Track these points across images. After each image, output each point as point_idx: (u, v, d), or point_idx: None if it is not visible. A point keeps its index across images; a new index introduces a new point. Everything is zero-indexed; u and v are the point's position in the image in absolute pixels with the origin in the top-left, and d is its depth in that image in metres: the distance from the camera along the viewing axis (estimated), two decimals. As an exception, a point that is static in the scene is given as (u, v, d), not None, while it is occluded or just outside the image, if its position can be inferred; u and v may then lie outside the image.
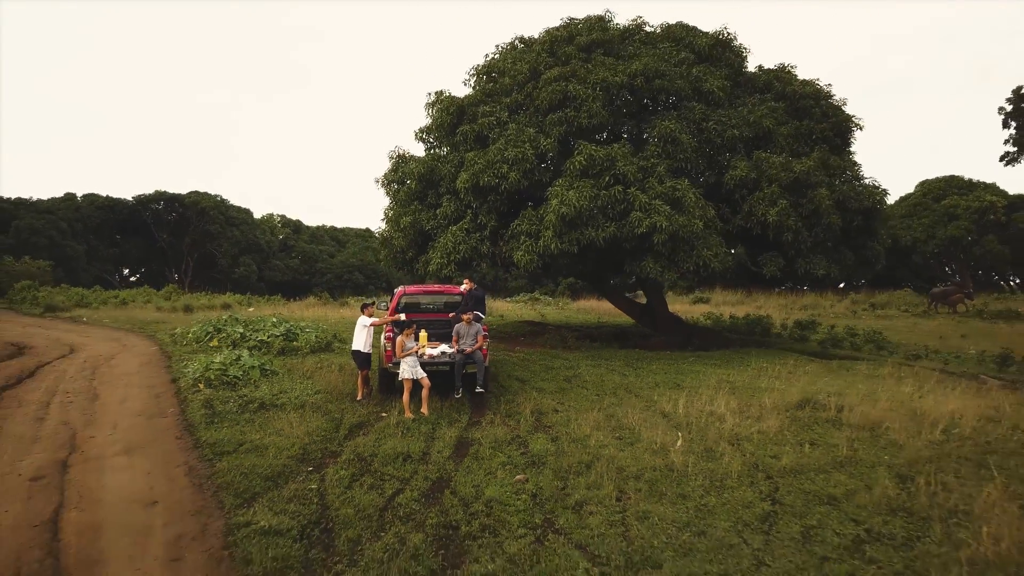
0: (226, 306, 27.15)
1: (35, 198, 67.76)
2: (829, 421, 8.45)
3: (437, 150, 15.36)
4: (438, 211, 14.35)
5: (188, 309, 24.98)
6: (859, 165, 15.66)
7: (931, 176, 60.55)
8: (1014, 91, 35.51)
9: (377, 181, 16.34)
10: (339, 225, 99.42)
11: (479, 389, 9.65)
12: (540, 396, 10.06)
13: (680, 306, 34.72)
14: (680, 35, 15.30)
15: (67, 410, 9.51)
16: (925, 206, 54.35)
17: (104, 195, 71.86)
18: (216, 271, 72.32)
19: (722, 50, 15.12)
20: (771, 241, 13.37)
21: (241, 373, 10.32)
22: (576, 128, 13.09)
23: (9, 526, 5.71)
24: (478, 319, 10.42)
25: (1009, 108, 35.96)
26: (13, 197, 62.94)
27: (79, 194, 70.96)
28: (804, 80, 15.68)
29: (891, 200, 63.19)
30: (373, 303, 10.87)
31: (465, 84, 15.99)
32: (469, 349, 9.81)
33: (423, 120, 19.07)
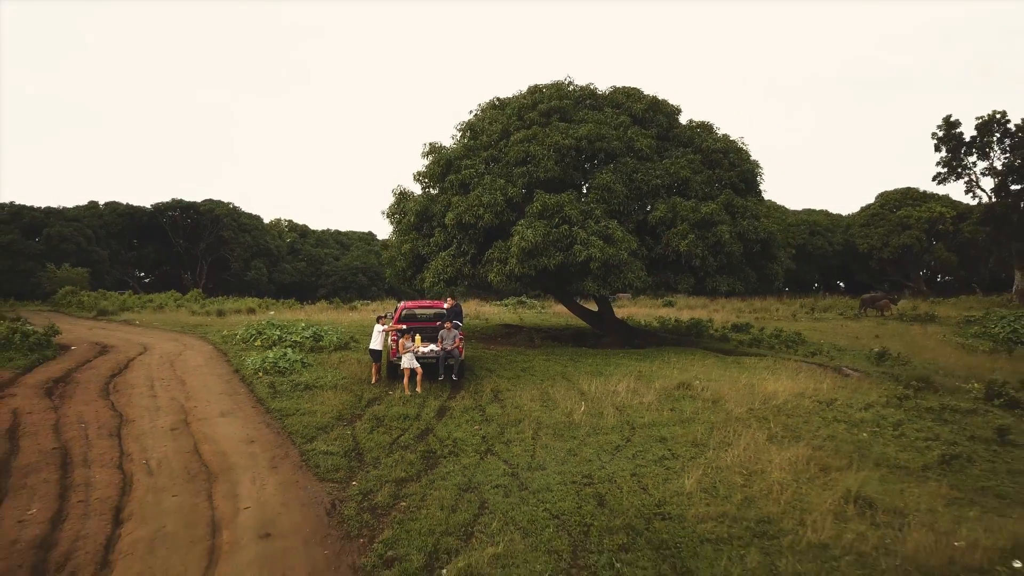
0: (250, 310, 30.89)
1: (61, 206, 71.28)
2: (690, 396, 12.25)
3: (431, 190, 19.08)
4: (431, 240, 18.07)
5: (220, 313, 28.67)
6: (764, 202, 19.47)
7: (889, 188, 64.30)
8: (944, 119, 39.68)
9: (383, 213, 20.11)
10: (343, 229, 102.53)
11: (455, 376, 13.48)
12: (499, 380, 13.85)
13: (649, 308, 38.59)
14: (621, 100, 19.02)
15: (168, 390, 13.27)
16: (882, 216, 58.29)
17: (124, 203, 75.54)
18: (229, 274, 75.94)
19: (654, 113, 18.84)
20: (684, 265, 17.10)
21: (288, 365, 14.12)
22: (535, 180, 16.79)
23: (171, 453, 9.49)
24: (456, 326, 14.20)
25: (940, 134, 40.04)
26: (43, 206, 66.52)
27: (101, 202, 74.65)
28: (720, 136, 19.44)
29: (855, 208, 66.97)
30: (386, 316, 14.68)
31: (452, 139, 19.83)
32: (449, 347, 13.62)
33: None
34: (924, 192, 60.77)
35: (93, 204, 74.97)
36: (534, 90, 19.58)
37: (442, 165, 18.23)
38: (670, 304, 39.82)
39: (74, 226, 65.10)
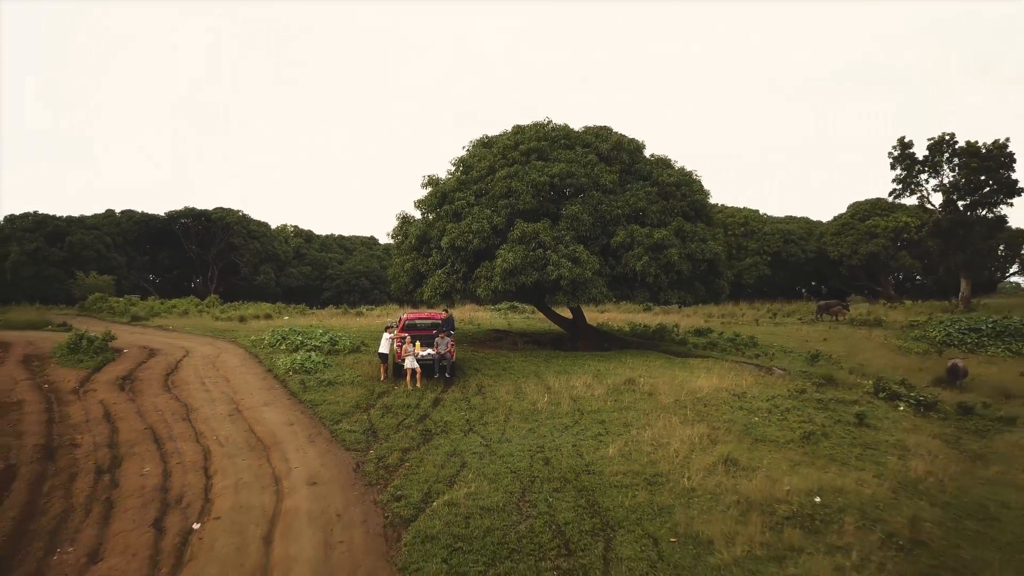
0: (267, 316, 33.81)
1: (80, 214, 74.10)
2: (632, 390, 15.23)
3: (429, 216, 22.02)
4: (429, 259, 20.99)
5: (242, 319, 31.56)
6: (714, 227, 22.56)
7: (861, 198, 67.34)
8: (899, 140, 42.80)
9: (388, 234, 23.09)
10: (346, 233, 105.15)
11: (447, 375, 16.46)
12: (483, 378, 16.84)
13: (627, 314, 41.56)
14: (590, 140, 21.97)
15: (217, 386, 16.23)
16: (852, 225, 61.37)
17: (140, 211, 78.34)
18: (239, 278, 78.72)
19: (618, 152, 21.77)
20: (640, 282, 20.05)
21: (312, 365, 17.10)
22: (516, 210, 19.69)
23: (232, 432, 12.46)
24: (449, 334, 17.18)
25: (896, 153, 43.08)
26: (65, 215, 69.34)
27: (117, 210, 77.50)
28: (676, 169, 22.44)
29: (828, 217, 69.91)
30: (392, 326, 17.66)
31: (447, 172, 22.80)
32: (443, 352, 16.61)
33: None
34: (893, 203, 63.78)
35: (110, 212, 77.76)
36: (517, 130, 22.52)
37: (438, 196, 21.23)
38: (648, 309, 42.73)
39: (94, 234, 67.88)
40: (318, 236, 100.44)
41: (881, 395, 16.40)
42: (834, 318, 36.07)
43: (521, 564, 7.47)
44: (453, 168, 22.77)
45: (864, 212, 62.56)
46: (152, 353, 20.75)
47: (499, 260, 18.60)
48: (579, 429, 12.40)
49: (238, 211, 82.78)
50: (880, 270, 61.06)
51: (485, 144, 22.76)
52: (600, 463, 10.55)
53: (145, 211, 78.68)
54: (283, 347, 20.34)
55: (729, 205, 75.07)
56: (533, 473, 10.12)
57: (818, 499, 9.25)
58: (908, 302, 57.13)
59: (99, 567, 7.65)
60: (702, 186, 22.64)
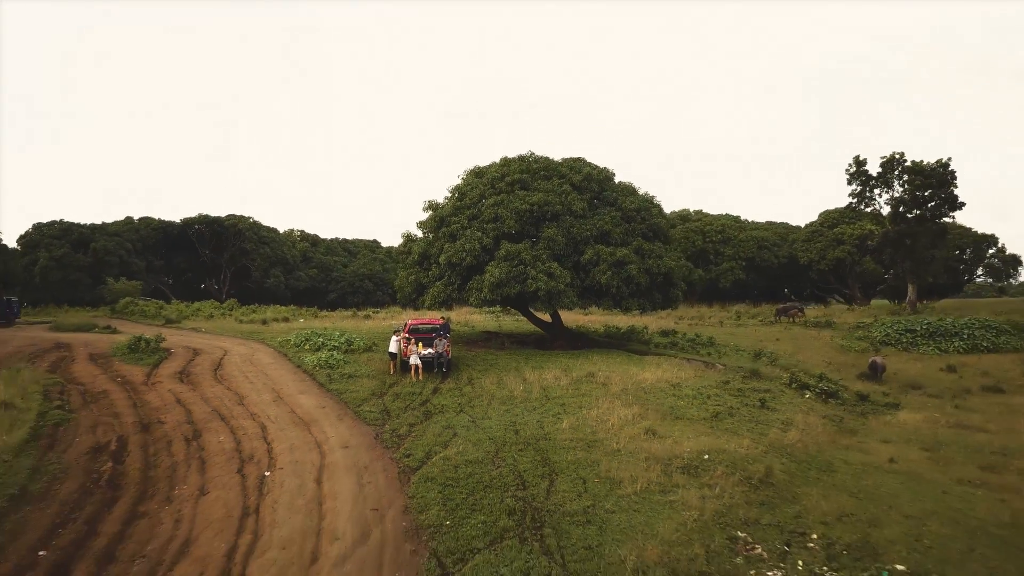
0: (285, 319, 37.25)
1: (102, 221, 77.44)
2: (590, 381, 18.75)
3: (429, 236, 25.48)
4: (429, 272, 24.45)
5: (264, 322, 34.98)
6: (670, 245, 26.12)
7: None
8: (854, 159, 46.35)
9: (394, 251, 26.40)
10: (349, 237, 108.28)
11: (444, 369, 19.99)
12: (473, 372, 20.37)
13: (607, 316, 45.03)
14: (565, 172, 25.41)
15: (258, 378, 19.73)
16: (821, 233, 64.98)
17: (157, 218, 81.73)
18: (250, 281, 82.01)
19: (588, 182, 25.22)
20: (605, 292, 23.53)
21: (335, 362, 20.62)
22: (502, 233, 23.13)
23: (279, 413, 15.99)
24: (445, 336, 20.70)
25: (853, 170, 46.66)
26: (89, 223, 72.70)
27: (136, 217, 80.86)
28: (640, 196, 25.96)
29: (803, 222, 73.34)
30: (399, 330, 21.17)
31: (444, 198, 26.31)
32: (440, 351, 20.13)
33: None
34: (860, 211, 67.42)
35: (129, 219, 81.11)
36: (504, 162, 25.99)
37: (437, 220, 24.74)
38: (627, 312, 46.15)
39: (116, 240, 71.14)
40: (323, 240, 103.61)
41: (793, 385, 19.97)
42: (791, 320, 39.60)
43: (491, 494, 11.01)
44: (449, 194, 26.27)
45: (833, 220, 66.15)
46: (196, 352, 24.23)
47: (487, 275, 22.11)
48: (544, 410, 15.94)
49: (249, 218, 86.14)
50: (847, 274, 64.64)
51: (477, 174, 26.26)
52: (555, 433, 14.09)
53: (162, 218, 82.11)
54: (307, 347, 23.83)
55: (711, 213, 78.76)
56: (505, 439, 13.66)
57: (706, 456, 12.79)
58: (875, 303, 60.86)
59: (208, 497, 11.18)
60: (661, 210, 26.22)
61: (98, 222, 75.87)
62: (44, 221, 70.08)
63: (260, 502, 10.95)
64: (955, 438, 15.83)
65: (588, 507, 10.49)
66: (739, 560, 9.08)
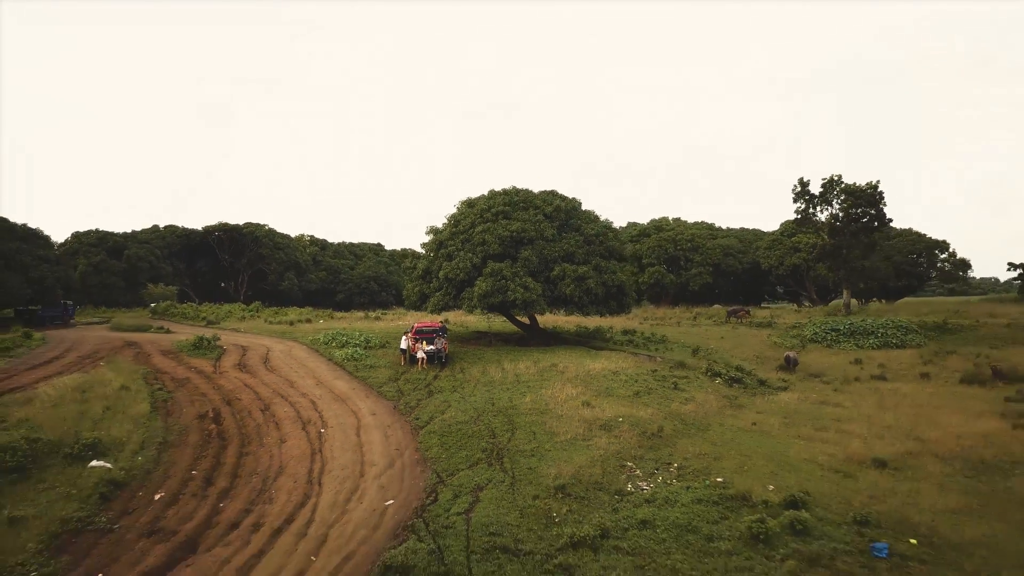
0: (308, 320, 42.47)
1: (132, 230, 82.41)
2: (552, 370, 24.11)
3: (431, 255, 30.76)
4: (431, 285, 29.71)
5: (291, 323, 40.19)
6: (624, 263, 31.55)
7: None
8: (799, 180, 51.80)
9: (403, 268, 31.83)
10: (355, 241, 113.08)
11: (443, 362, 25.38)
12: (465, 364, 25.71)
13: (582, 318, 50.29)
14: (540, 204, 30.66)
15: (300, 368, 25.04)
16: (780, 241, 70.40)
17: (180, 226, 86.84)
18: (265, 283, 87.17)
19: (558, 212, 30.46)
20: (570, 301, 28.83)
21: (358, 356, 25.96)
22: (488, 254, 28.35)
23: (322, 392, 21.38)
24: (443, 336, 26.04)
25: (797, 190, 52.04)
26: (122, 231, 77.73)
27: (161, 225, 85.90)
28: (601, 222, 31.32)
29: (769, 228, 78.62)
30: (408, 331, 26.51)
31: (442, 225, 31.58)
32: (439, 347, 25.49)
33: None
34: (817, 220, 72.94)
35: (155, 227, 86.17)
36: (491, 195, 31.25)
37: (436, 243, 30.09)
38: (602, 315, 51.58)
39: (146, 247, 76.26)
40: (331, 244, 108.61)
41: (708, 374, 25.38)
42: (739, 321, 44.98)
43: (472, 440, 16.39)
44: (447, 222, 31.60)
45: (792, 229, 71.52)
46: (245, 349, 29.53)
47: (476, 288, 27.45)
48: (514, 390, 21.32)
49: (264, 225, 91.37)
50: (804, 279, 70.13)
51: (469, 205, 31.58)
52: (519, 404, 19.47)
53: (184, 226, 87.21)
54: (334, 344, 29.16)
55: (688, 221, 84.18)
56: (484, 409, 19.04)
57: (620, 419, 18.18)
58: (834, 303, 66.30)
59: (287, 443, 16.53)
60: (617, 234, 31.65)
61: (127, 230, 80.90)
62: (82, 230, 75.15)
63: (321, 446, 16.33)
64: (811, 411, 21.26)
65: (534, 448, 15.89)
66: (623, 477, 14.48)
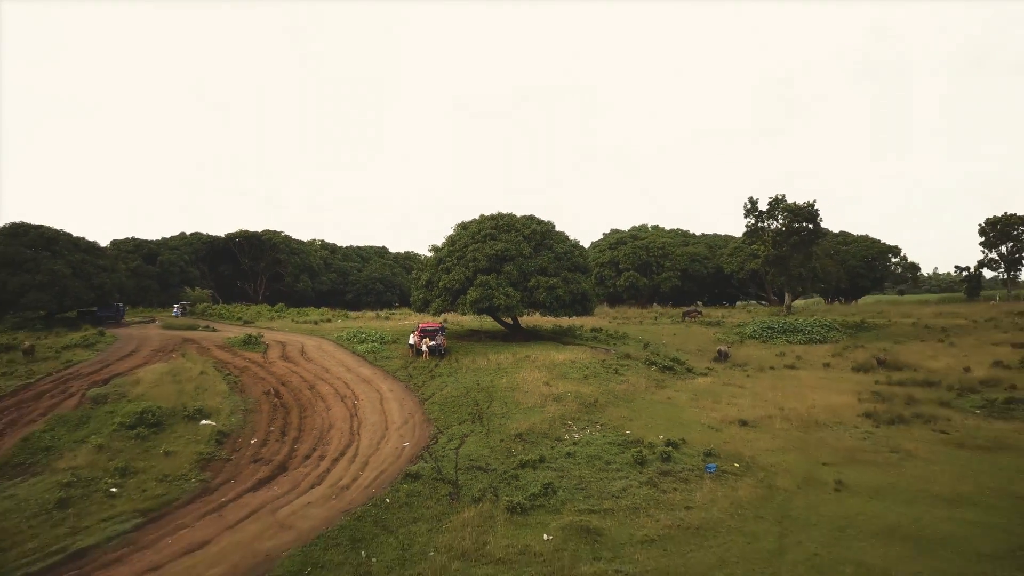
0: (328, 320, 48.59)
1: (161, 237, 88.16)
2: (526, 360, 30.34)
3: (432, 268, 36.93)
4: (432, 292, 35.86)
5: (316, 323, 46.23)
6: (588, 275, 37.77)
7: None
8: (749, 199, 58.06)
9: (410, 279, 38.01)
10: (361, 244, 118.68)
11: (441, 354, 31.63)
12: (459, 355, 31.92)
13: (560, 319, 56.50)
14: (520, 228, 36.73)
15: (331, 358, 31.23)
16: (742, 248, 76.66)
17: (205, 233, 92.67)
18: (282, 285, 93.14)
19: (534, 234, 36.62)
20: (542, 305, 35.03)
21: (376, 349, 32.17)
22: (478, 268, 34.49)
23: (351, 377, 27.64)
24: (442, 333, 32.23)
25: (748, 207, 58.33)
26: (155, 238, 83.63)
27: (188, 232, 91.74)
28: (571, 242, 37.54)
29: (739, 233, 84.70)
30: (415, 330, 32.74)
31: (441, 244, 37.72)
32: (439, 343, 31.74)
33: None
34: (756, 238, 79.29)
35: (183, 234, 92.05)
36: (481, 219, 37.38)
37: (436, 260, 36.29)
38: (579, 315, 57.85)
39: (176, 253, 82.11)
40: (340, 248, 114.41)
41: (647, 363, 31.65)
42: (692, 320, 51.22)
43: (462, 408, 22.68)
44: (445, 241, 37.82)
45: (752, 238, 77.94)
46: (284, 344, 35.69)
47: (469, 295, 33.67)
48: (495, 374, 27.57)
49: (281, 232, 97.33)
50: (763, 282, 76.48)
51: (464, 227, 37.78)
52: (497, 384, 25.71)
53: (209, 233, 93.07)
54: (355, 340, 35.35)
55: (665, 228, 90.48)
56: (471, 388, 25.29)
57: (568, 394, 24.44)
58: (796, 303, 72.38)
59: (332, 410, 22.78)
60: (584, 251, 37.83)
61: (156, 237, 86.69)
62: (120, 238, 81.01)
63: (357, 412, 22.57)
64: (716, 390, 27.53)
65: (504, 412, 22.16)
66: (562, 430, 20.75)
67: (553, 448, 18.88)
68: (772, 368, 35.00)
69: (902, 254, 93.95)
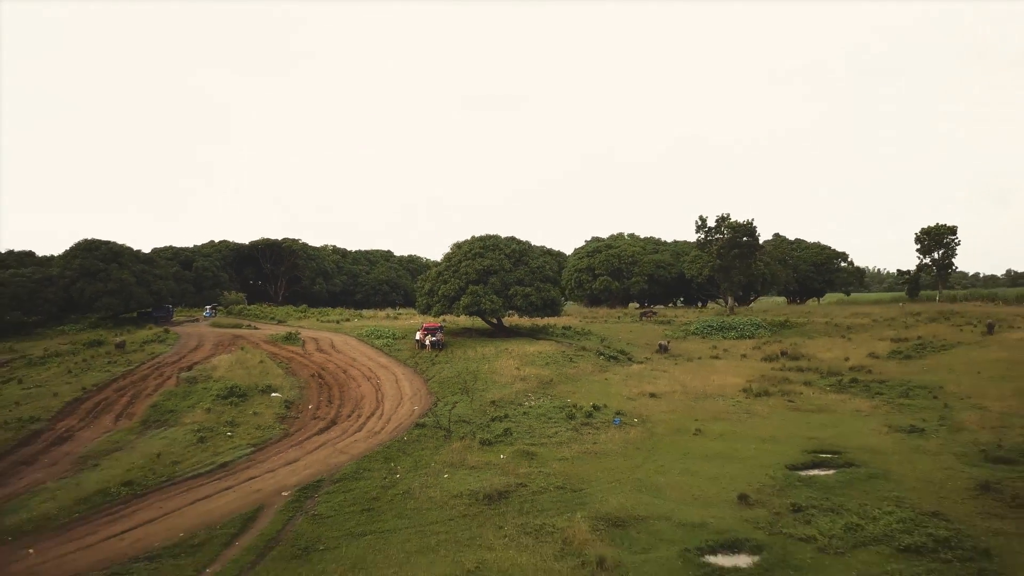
0: (347, 320, 56.17)
1: (193, 244, 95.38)
2: (504, 351, 38.07)
3: (433, 279, 44.54)
4: (433, 299, 43.53)
5: (336, 322, 53.72)
6: (556, 285, 45.43)
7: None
8: (700, 216, 65.89)
9: (415, 290, 45.70)
10: (369, 248, 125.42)
11: (440, 348, 39.37)
12: (454, 348, 39.60)
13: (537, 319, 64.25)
14: (503, 247, 44.33)
15: (357, 351, 38.92)
16: (700, 256, 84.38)
17: (232, 241, 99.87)
18: (299, 287, 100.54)
19: (512, 251, 44.24)
20: (519, 308, 42.65)
21: (391, 343, 39.84)
22: (469, 280, 42.06)
23: (375, 363, 35.42)
24: (441, 331, 39.93)
25: (699, 224, 66.14)
26: (191, 246, 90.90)
27: (216, 239, 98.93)
28: (545, 259, 45.13)
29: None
30: (420, 329, 40.47)
31: (439, 261, 45.26)
32: (439, 339, 39.47)
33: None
34: (707, 250, 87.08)
35: (212, 242, 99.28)
36: (473, 240, 45.00)
37: (436, 274, 43.99)
38: (557, 315, 65.58)
39: (209, 260, 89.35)
40: (350, 252, 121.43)
41: (596, 353, 39.42)
42: (648, 319, 58.96)
43: (455, 385, 30.53)
44: (443, 258, 45.53)
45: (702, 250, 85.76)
46: (317, 340, 43.39)
47: (462, 301, 41.37)
48: (480, 362, 35.30)
49: (299, 239, 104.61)
50: (719, 286, 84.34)
51: (458, 247, 45.50)
52: (481, 369, 33.49)
53: (236, 240, 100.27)
54: (373, 336, 43.01)
55: (640, 236, 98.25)
56: (462, 371, 33.08)
57: (531, 375, 32.22)
58: (758, 304, 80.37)
59: (361, 388, 30.56)
60: (555, 265, 45.54)
61: (191, 245, 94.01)
62: (160, 246, 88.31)
63: (380, 388, 30.33)
64: (645, 373, 35.26)
65: (484, 387, 29.98)
66: (524, 399, 28.55)
67: (515, 410, 26.67)
68: (700, 358, 42.66)
69: (849, 259, 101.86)
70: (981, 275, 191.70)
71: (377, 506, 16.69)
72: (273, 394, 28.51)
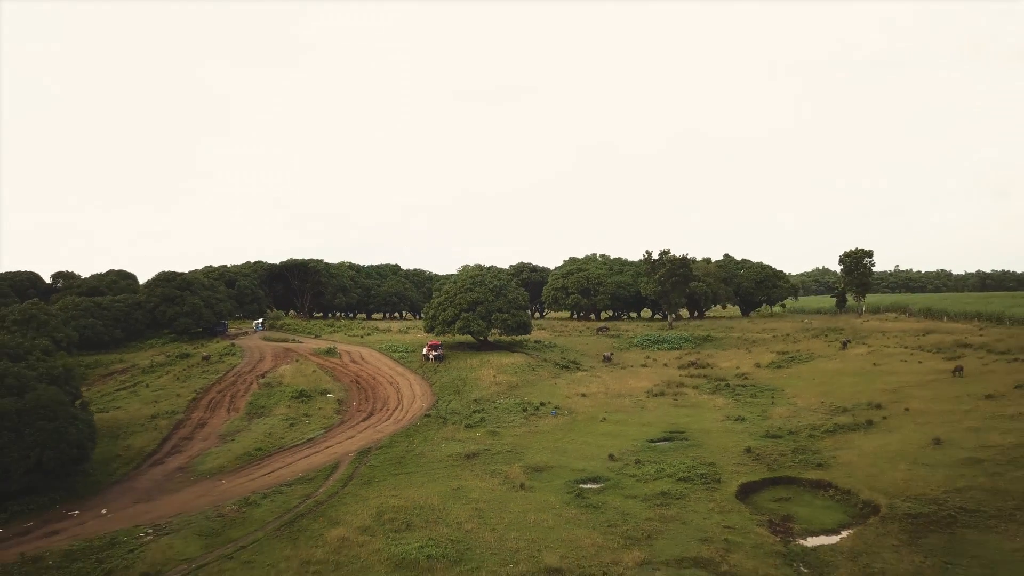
0: (369, 333, 67.08)
1: (231, 263, 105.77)
2: (486, 363, 49.26)
3: (435, 308, 55.50)
4: (436, 322, 54.53)
5: (361, 336, 64.51)
6: (525, 310, 56.68)
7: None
8: (646, 251, 77.42)
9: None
10: (378, 263, 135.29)
11: (440, 360, 50.57)
12: (450, 360, 50.68)
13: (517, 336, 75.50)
14: (488, 281, 55.20)
15: (381, 362, 50.02)
16: (651, 278, 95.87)
17: (265, 262, 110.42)
18: (323, 300, 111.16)
19: (494, 284, 55.22)
20: (500, 329, 53.69)
21: (404, 356, 50.97)
22: (462, 308, 52.95)
23: (394, 372, 46.70)
24: (441, 348, 51.10)
25: (645, 257, 77.62)
26: (232, 265, 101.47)
27: (251, 260, 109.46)
28: (519, 291, 56.31)
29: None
30: (426, 345, 51.69)
31: (440, 291, 56.28)
32: (440, 353, 50.69)
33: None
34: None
35: (248, 263, 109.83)
36: (465, 270, 56.16)
37: (436, 303, 55.12)
38: (530, 331, 76.75)
39: (248, 279, 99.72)
40: (363, 268, 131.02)
41: (554, 363, 50.67)
42: (603, 333, 70.17)
43: (450, 388, 41.80)
44: (443, 290, 56.69)
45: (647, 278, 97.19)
46: (349, 353, 54.47)
47: (456, 324, 52.52)
48: (467, 371, 46.49)
49: (321, 260, 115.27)
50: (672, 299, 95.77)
51: (453, 282, 56.73)
52: (468, 376, 44.74)
53: (268, 261, 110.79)
54: (391, 350, 54.11)
55: (611, 256, 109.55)
56: (456, 378, 44.32)
57: (503, 380, 43.48)
58: (710, 313, 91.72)
59: (387, 389, 41.76)
60: (525, 294, 56.87)
61: (230, 264, 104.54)
62: (199, 267, 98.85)
63: (399, 390, 41.55)
64: (585, 379, 46.48)
65: (468, 389, 41.33)
66: (497, 399, 39.87)
67: (489, 406, 37.89)
68: (632, 366, 53.99)
69: (785, 276, 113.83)
70: (953, 273, 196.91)
71: (403, 461, 27.89)
72: (328, 395, 39.59)
